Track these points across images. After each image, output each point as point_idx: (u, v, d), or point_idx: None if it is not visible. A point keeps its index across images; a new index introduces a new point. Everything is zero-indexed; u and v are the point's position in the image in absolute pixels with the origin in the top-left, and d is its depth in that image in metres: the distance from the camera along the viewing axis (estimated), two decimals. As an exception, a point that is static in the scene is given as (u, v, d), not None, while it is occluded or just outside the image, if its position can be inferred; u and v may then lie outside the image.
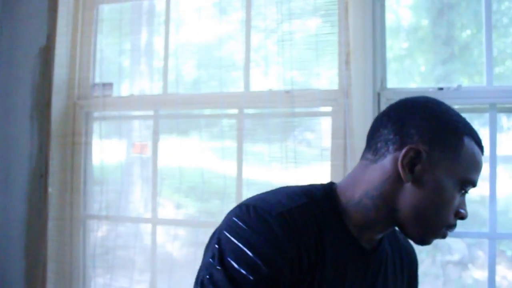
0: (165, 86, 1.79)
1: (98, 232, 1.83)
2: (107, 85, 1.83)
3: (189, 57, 1.85)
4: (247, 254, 0.71)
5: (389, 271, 0.89)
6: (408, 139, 0.77)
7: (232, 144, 1.72)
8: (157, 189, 1.77)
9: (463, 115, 0.82)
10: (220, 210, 1.69)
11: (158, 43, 1.86)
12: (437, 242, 1.71)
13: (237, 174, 1.68)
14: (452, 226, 0.80)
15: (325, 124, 1.63)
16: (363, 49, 1.50)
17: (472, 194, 0.84)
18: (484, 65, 1.50)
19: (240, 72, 1.74)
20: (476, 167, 0.79)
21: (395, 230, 0.90)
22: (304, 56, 1.66)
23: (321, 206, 0.80)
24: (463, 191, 0.79)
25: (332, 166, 1.56)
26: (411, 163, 0.76)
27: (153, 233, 1.77)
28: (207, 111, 1.82)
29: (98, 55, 1.87)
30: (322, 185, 0.85)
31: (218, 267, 0.71)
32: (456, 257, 1.72)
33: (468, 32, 1.86)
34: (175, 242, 1.79)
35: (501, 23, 1.70)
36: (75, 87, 1.87)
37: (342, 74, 1.54)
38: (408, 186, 0.77)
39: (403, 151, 0.76)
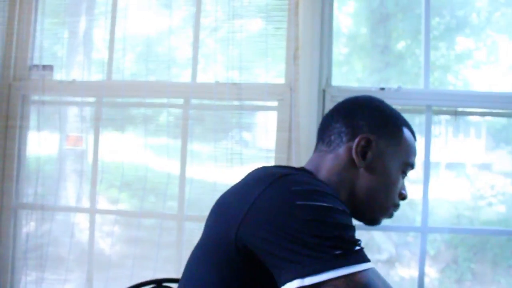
0: (109, 73, 1.73)
1: (31, 223, 1.74)
2: (47, 68, 1.73)
3: (131, 49, 1.81)
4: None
5: None
6: (359, 130, 0.89)
7: (175, 141, 1.70)
8: (94, 182, 1.71)
9: (403, 115, 0.95)
10: (159, 206, 1.68)
11: (101, 31, 1.79)
12: (367, 241, 1.82)
13: (181, 171, 1.66)
14: (397, 205, 0.93)
15: (271, 118, 1.66)
16: (311, 46, 1.55)
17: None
18: (422, 69, 1.61)
19: (184, 67, 1.74)
20: (414, 151, 0.93)
21: None
22: (253, 51, 1.68)
23: None
24: (404, 174, 0.93)
25: (276, 158, 1.59)
26: (363, 151, 0.88)
27: (91, 223, 1.71)
28: (152, 101, 1.79)
29: (38, 36, 1.77)
30: (300, 169, 0.91)
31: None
32: (384, 256, 1.83)
33: (404, 43, 1.99)
34: (110, 238, 1.74)
35: (432, 35, 1.83)
36: (11, 67, 1.74)
37: (290, 69, 1.57)
38: (362, 171, 0.88)
39: (356, 140, 0.87)
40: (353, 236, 0.73)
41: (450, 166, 1.97)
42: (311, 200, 0.73)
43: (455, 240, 1.85)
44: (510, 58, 1.75)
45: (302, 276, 0.68)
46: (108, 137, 1.76)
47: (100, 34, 1.78)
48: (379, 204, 0.90)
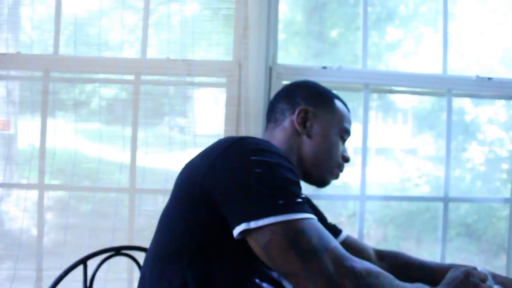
0: (56, 47, 1.62)
1: None
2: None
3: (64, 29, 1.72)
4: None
5: None
6: (297, 104, 1.05)
7: (119, 128, 1.65)
8: (21, 168, 1.61)
9: (343, 93, 1.08)
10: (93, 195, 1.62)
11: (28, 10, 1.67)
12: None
13: (131, 160, 1.61)
14: (341, 166, 1.08)
15: (221, 94, 1.67)
16: (258, 26, 1.59)
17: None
18: (355, 56, 1.68)
19: (131, 45, 1.68)
20: (348, 120, 1.09)
21: None
22: (202, 29, 1.68)
23: None
24: (343, 139, 1.08)
25: (226, 131, 1.60)
26: (303, 121, 1.03)
27: (22, 209, 1.61)
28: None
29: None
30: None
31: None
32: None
33: (338, 30, 2.06)
34: (42, 224, 1.65)
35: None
36: None
37: (238, 48, 1.60)
38: (305, 138, 1.04)
39: (296, 112, 1.03)
40: (297, 190, 0.82)
41: (379, 151, 2.07)
42: (263, 156, 0.82)
43: (385, 219, 1.96)
44: (434, 48, 1.86)
45: (248, 220, 0.78)
46: (38, 121, 1.66)
47: (27, 12, 1.66)
48: (324, 164, 1.05)
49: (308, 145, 1.05)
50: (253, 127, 1.54)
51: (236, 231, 0.79)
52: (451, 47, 1.69)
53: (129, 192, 1.58)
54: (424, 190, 1.93)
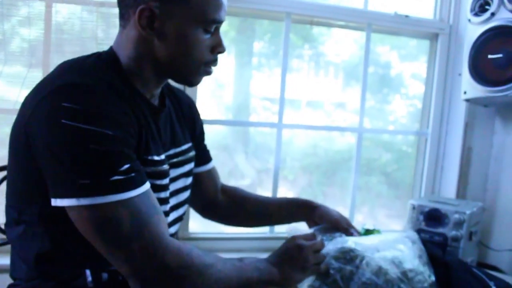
0: None
1: None
2: None
3: None
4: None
5: (174, 122, 1.02)
6: (140, 1, 0.83)
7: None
8: None
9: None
10: None
11: None
12: (231, 169, 1.89)
13: None
14: (212, 61, 0.91)
15: None
16: None
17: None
18: None
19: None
20: (213, 7, 0.86)
21: (172, 88, 1.06)
22: None
23: (109, 73, 0.84)
24: (210, 31, 0.88)
25: None
26: (149, 21, 0.83)
27: None
28: None
29: None
30: (106, 53, 0.90)
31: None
32: (247, 181, 1.93)
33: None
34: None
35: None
36: None
37: None
38: (156, 41, 0.85)
39: (137, 12, 0.83)
40: (112, 164, 0.72)
41: (310, 104, 2.11)
42: (76, 121, 0.71)
43: (311, 166, 2.03)
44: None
45: (54, 196, 0.72)
46: None
47: None
48: (187, 66, 0.89)
49: (162, 49, 0.86)
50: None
51: (51, 202, 0.72)
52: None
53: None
54: (350, 140, 2.00)
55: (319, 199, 2.01)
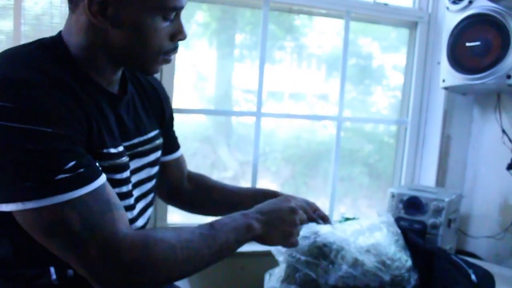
0: None
1: None
2: None
3: None
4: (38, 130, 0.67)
5: (139, 109, 0.97)
6: None
7: None
8: None
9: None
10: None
11: None
12: (214, 161, 1.89)
13: None
14: (172, 50, 0.86)
15: None
16: None
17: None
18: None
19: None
20: None
21: (134, 73, 1.00)
22: None
23: (52, 63, 0.77)
24: (170, 18, 0.82)
25: None
26: (101, 8, 0.76)
27: None
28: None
29: None
30: (52, 40, 0.83)
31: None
32: (230, 174, 1.93)
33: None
34: None
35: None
36: None
37: None
38: (110, 30, 0.78)
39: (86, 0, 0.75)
40: (56, 163, 0.68)
41: (292, 96, 2.12)
42: (10, 120, 0.66)
43: (293, 158, 2.03)
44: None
45: (0, 201, 0.67)
46: None
47: None
48: (143, 56, 0.83)
49: (117, 38, 0.79)
50: None
51: None
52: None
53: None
54: (333, 131, 2.01)
55: (301, 190, 2.04)
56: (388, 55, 2.18)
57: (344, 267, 1.13)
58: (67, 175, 0.67)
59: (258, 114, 1.79)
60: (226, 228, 0.84)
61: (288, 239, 0.93)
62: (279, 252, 1.15)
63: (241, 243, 0.87)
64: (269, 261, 1.21)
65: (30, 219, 0.67)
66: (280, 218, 0.91)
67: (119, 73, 0.90)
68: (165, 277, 0.75)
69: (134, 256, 0.71)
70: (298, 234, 0.98)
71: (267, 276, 1.18)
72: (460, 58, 1.65)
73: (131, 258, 0.70)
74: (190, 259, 0.77)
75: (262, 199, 1.11)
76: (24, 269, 0.79)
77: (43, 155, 0.66)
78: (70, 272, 0.82)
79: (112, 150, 0.83)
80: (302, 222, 0.99)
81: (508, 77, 1.50)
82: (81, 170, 0.70)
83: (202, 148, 1.88)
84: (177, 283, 1.05)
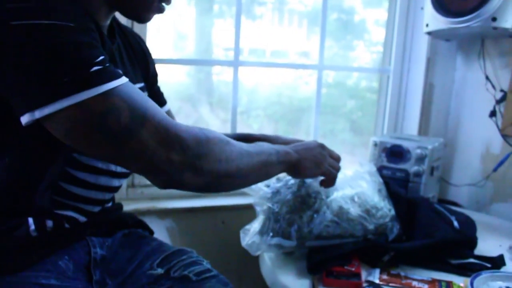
0: None
1: None
2: None
3: None
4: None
5: (125, 59, 0.97)
6: None
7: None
8: None
9: None
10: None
11: None
12: (196, 121, 1.86)
13: None
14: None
15: None
16: None
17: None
18: None
19: None
20: None
21: (120, 24, 1.00)
22: None
23: None
24: None
25: None
26: None
27: None
28: None
29: None
30: None
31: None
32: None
33: None
34: None
35: None
36: None
37: None
38: None
39: None
40: (87, 56, 0.64)
41: (274, 53, 2.08)
42: (27, 18, 0.61)
43: (276, 115, 2.02)
44: None
45: (31, 108, 0.61)
46: None
47: None
48: (136, 2, 0.83)
49: None
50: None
51: (23, 121, 0.62)
52: None
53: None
54: (313, 87, 2.00)
55: (285, 148, 2.03)
56: (370, 10, 2.15)
57: (329, 215, 1.13)
58: (100, 67, 0.64)
59: (235, 63, 1.77)
60: (269, 147, 0.87)
61: (320, 167, 1.00)
62: (261, 201, 1.15)
63: (280, 166, 0.89)
64: (250, 215, 1.21)
65: (72, 117, 0.61)
66: (311, 150, 0.98)
67: (109, 19, 0.89)
68: (224, 168, 0.72)
69: (195, 138, 0.68)
70: (334, 165, 1.06)
71: (241, 234, 1.17)
72: (444, 1, 1.59)
73: (193, 139, 0.67)
74: (243, 156, 0.77)
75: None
76: (1, 219, 0.76)
77: (74, 48, 0.63)
78: (50, 223, 0.80)
79: None
80: (335, 159, 1.08)
81: (494, 19, 1.44)
82: (108, 65, 0.66)
83: (184, 107, 1.86)
84: (158, 237, 1.05)
